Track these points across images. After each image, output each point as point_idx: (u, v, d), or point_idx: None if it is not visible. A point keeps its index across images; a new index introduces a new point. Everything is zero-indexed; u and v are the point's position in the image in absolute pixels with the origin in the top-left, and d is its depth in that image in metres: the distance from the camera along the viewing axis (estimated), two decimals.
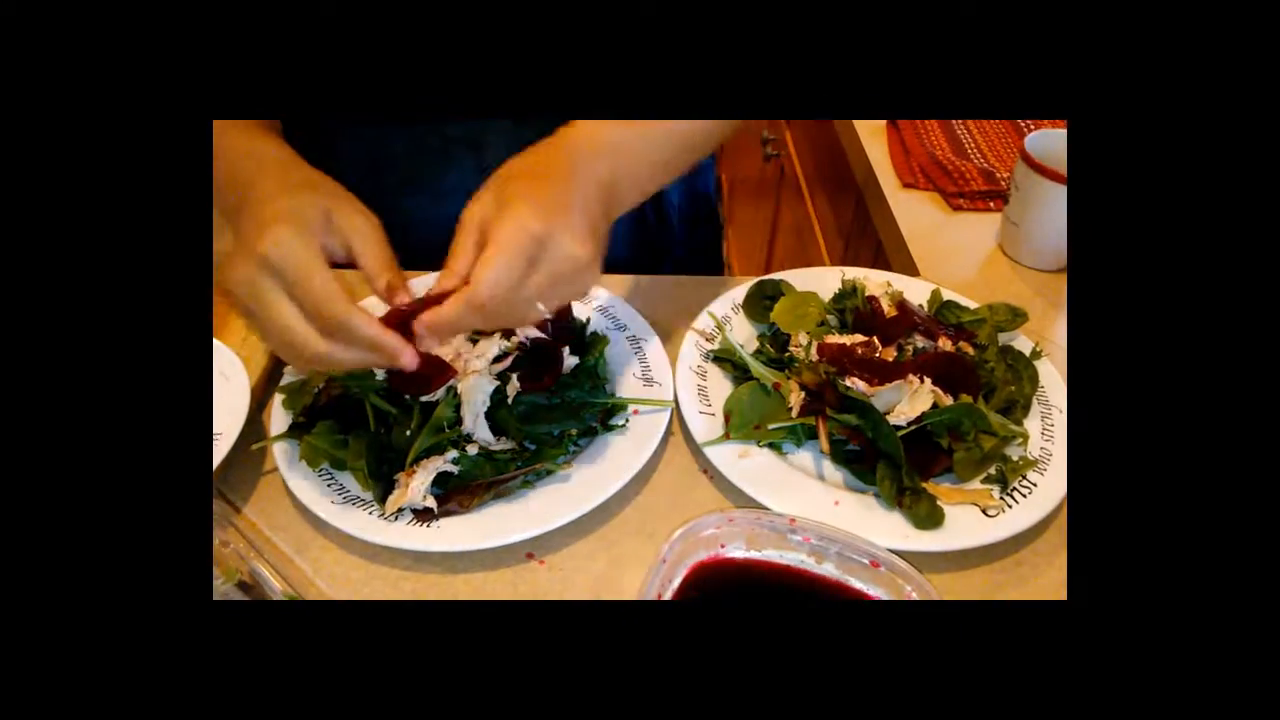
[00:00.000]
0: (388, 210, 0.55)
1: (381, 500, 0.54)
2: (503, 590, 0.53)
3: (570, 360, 0.61)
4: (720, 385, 0.64)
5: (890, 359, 0.61)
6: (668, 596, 0.48)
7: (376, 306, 0.52)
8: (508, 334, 0.60)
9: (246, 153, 0.54)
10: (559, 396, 0.59)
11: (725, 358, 0.65)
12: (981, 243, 0.84)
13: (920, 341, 0.63)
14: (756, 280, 0.72)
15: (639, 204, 0.58)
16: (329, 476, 0.56)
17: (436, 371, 0.57)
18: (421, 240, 0.76)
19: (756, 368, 0.62)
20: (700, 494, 0.59)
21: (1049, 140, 0.78)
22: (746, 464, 0.58)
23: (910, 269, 0.81)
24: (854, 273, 0.72)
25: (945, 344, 0.63)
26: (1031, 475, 0.58)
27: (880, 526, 0.54)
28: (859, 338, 0.63)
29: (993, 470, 0.58)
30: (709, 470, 0.60)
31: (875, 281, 0.70)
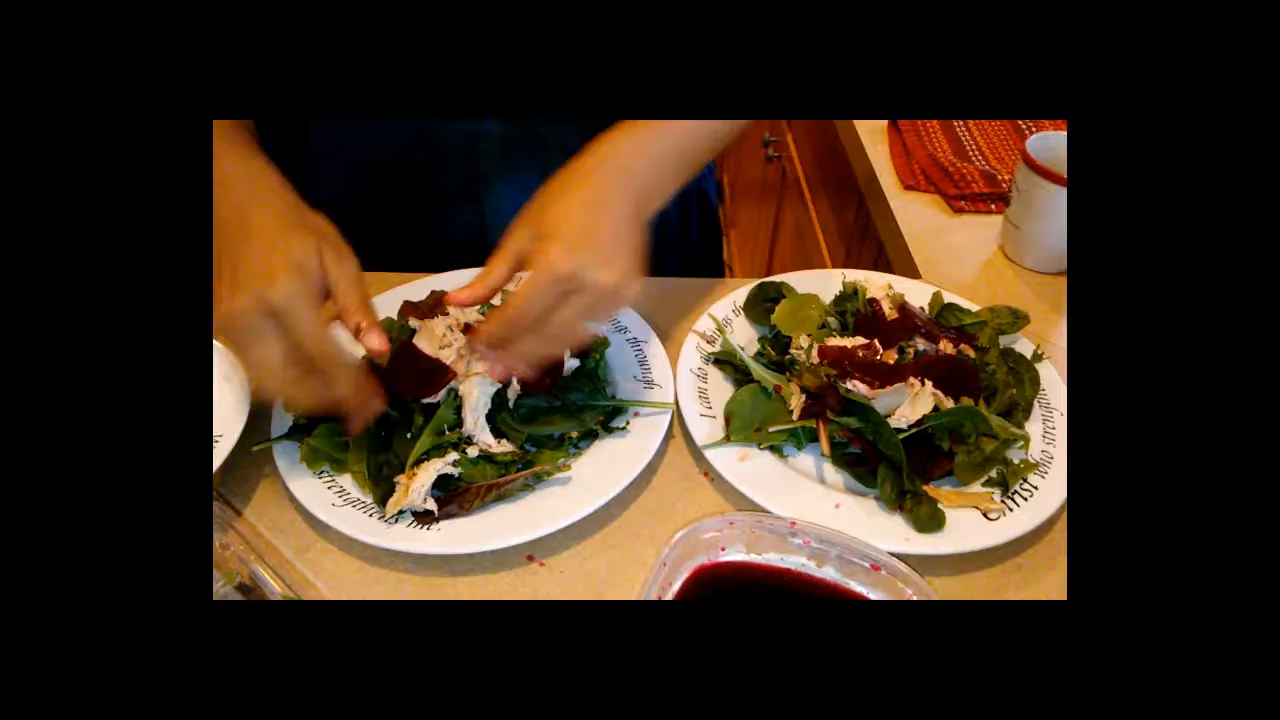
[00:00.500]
0: (388, 217, 0.55)
1: (381, 503, 0.54)
2: (503, 592, 0.53)
3: (571, 363, 0.61)
4: (721, 388, 0.64)
5: (891, 362, 0.61)
6: (668, 599, 0.48)
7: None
8: None
9: (242, 177, 0.55)
10: (560, 399, 0.59)
11: (726, 360, 0.65)
12: (983, 245, 0.84)
13: (921, 344, 0.63)
14: (757, 282, 0.72)
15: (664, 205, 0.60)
16: (329, 479, 0.56)
17: (438, 374, 0.57)
18: (416, 246, 0.76)
19: (757, 370, 0.62)
20: (701, 497, 0.59)
21: (1051, 142, 0.78)
22: (747, 467, 0.58)
23: (911, 271, 0.81)
24: (855, 275, 0.72)
25: (946, 347, 0.63)
26: (1033, 478, 0.57)
27: (881, 529, 0.54)
28: (860, 340, 0.63)
29: (994, 473, 0.58)
30: (709, 473, 0.60)
31: (876, 284, 0.69)
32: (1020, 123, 1.02)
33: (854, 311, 0.67)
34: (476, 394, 0.57)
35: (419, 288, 0.70)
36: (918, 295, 0.71)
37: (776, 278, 0.72)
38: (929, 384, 0.58)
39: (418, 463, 0.55)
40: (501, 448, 0.57)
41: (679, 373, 0.64)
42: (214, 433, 0.56)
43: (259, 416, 0.61)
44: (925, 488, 0.56)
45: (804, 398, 0.59)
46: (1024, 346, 0.67)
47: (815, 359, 0.62)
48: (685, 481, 0.60)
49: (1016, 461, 0.58)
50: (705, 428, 0.60)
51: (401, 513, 0.54)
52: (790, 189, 1.56)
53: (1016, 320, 0.68)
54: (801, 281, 0.72)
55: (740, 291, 0.71)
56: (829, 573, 0.50)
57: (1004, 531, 0.54)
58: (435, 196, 0.78)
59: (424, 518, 0.54)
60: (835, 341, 0.63)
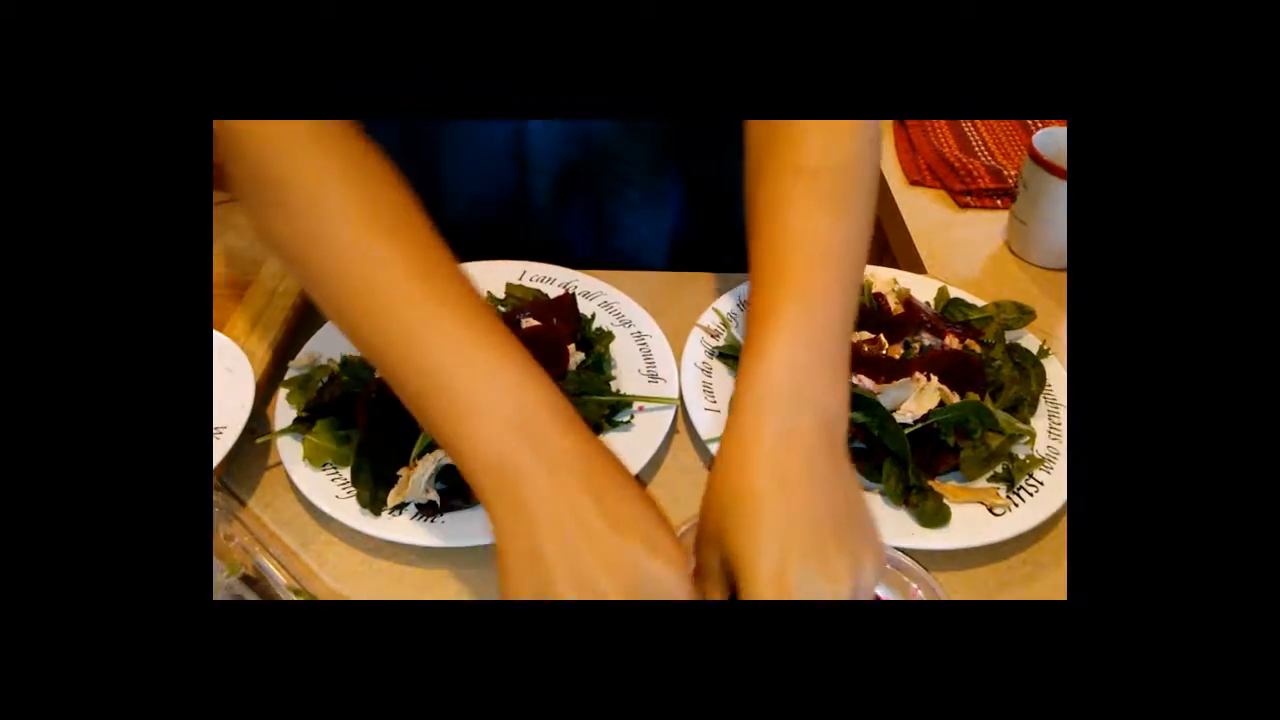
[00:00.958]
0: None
1: (368, 504, 0.53)
2: None
3: (575, 356, 0.61)
4: (726, 382, 0.64)
5: (897, 356, 0.61)
6: None
7: None
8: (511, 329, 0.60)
9: (507, 397, 0.41)
10: (564, 393, 0.59)
11: (731, 354, 0.65)
12: (989, 241, 0.84)
13: (927, 339, 0.63)
14: None
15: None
16: (333, 471, 0.56)
17: None
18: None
19: None
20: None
21: (1057, 138, 0.77)
22: None
23: (917, 267, 0.81)
24: None
25: (952, 342, 0.63)
26: (1038, 474, 0.57)
27: (886, 524, 0.54)
28: (865, 335, 0.63)
29: (999, 469, 0.58)
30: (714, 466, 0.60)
31: (882, 279, 0.69)
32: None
33: (859, 306, 0.67)
34: None
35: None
36: (923, 290, 0.71)
37: None
38: (934, 379, 0.57)
39: (420, 455, 0.55)
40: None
41: (684, 367, 0.64)
42: (218, 425, 0.56)
43: (262, 408, 0.61)
44: (930, 483, 0.56)
45: None
46: (1030, 342, 0.67)
47: None
48: (690, 476, 0.60)
49: (1022, 457, 0.58)
50: (710, 422, 0.60)
51: (405, 505, 0.54)
52: None
53: (1022, 315, 0.67)
54: None
55: (745, 286, 0.71)
56: None
57: (1009, 527, 0.54)
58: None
59: (428, 510, 0.54)
60: None
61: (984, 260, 0.82)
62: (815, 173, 0.50)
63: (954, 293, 0.71)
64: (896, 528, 0.54)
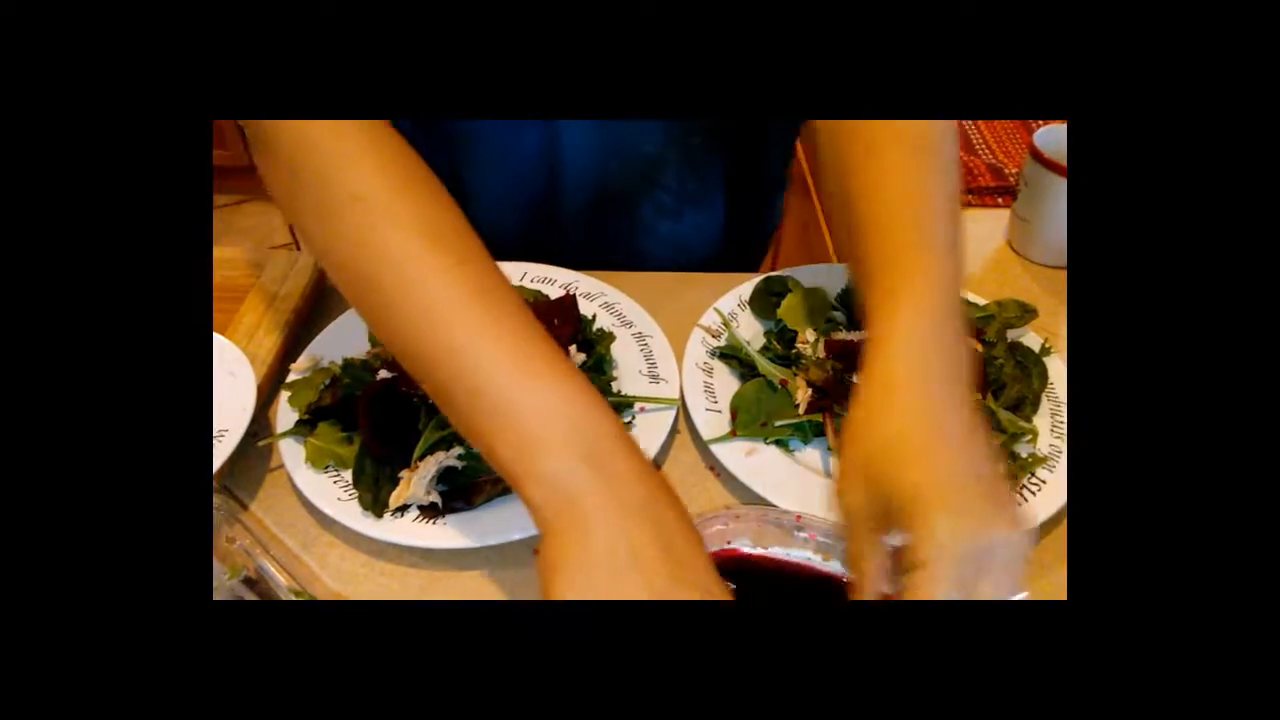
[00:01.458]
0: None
1: (370, 506, 0.54)
2: (509, 586, 0.53)
3: (576, 357, 0.61)
4: (727, 382, 0.64)
5: None
6: None
7: None
8: None
9: (573, 449, 0.40)
10: None
11: (732, 354, 0.65)
12: (990, 239, 0.84)
13: None
14: (763, 277, 0.71)
15: None
16: (334, 473, 0.56)
17: None
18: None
19: (763, 364, 0.62)
20: (707, 491, 0.59)
21: (1058, 136, 0.77)
22: (753, 461, 0.58)
23: None
24: None
25: None
26: (1040, 472, 0.57)
27: None
28: (866, 334, 0.62)
29: (1001, 467, 0.57)
30: (715, 467, 0.60)
31: None
32: None
33: (860, 305, 0.66)
34: None
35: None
36: None
37: (782, 272, 0.72)
38: None
39: (422, 456, 0.55)
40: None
41: (685, 367, 0.64)
42: (220, 428, 0.56)
43: (264, 411, 0.61)
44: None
45: (810, 392, 0.59)
46: (1032, 340, 0.67)
47: (821, 353, 0.62)
48: (691, 476, 0.60)
49: (1024, 455, 0.58)
50: (711, 422, 0.60)
51: (407, 507, 0.54)
52: (795, 183, 1.55)
53: (1024, 314, 0.67)
54: (807, 275, 0.72)
55: (746, 286, 0.71)
56: (835, 566, 0.50)
57: None
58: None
59: (430, 512, 0.54)
60: (841, 335, 0.62)
61: (985, 258, 0.81)
62: (913, 135, 0.49)
63: None
64: None
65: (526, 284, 0.71)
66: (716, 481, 0.60)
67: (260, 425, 0.60)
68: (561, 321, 0.62)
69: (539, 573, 0.40)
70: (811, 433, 0.59)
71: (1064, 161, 0.74)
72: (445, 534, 0.53)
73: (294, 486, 0.56)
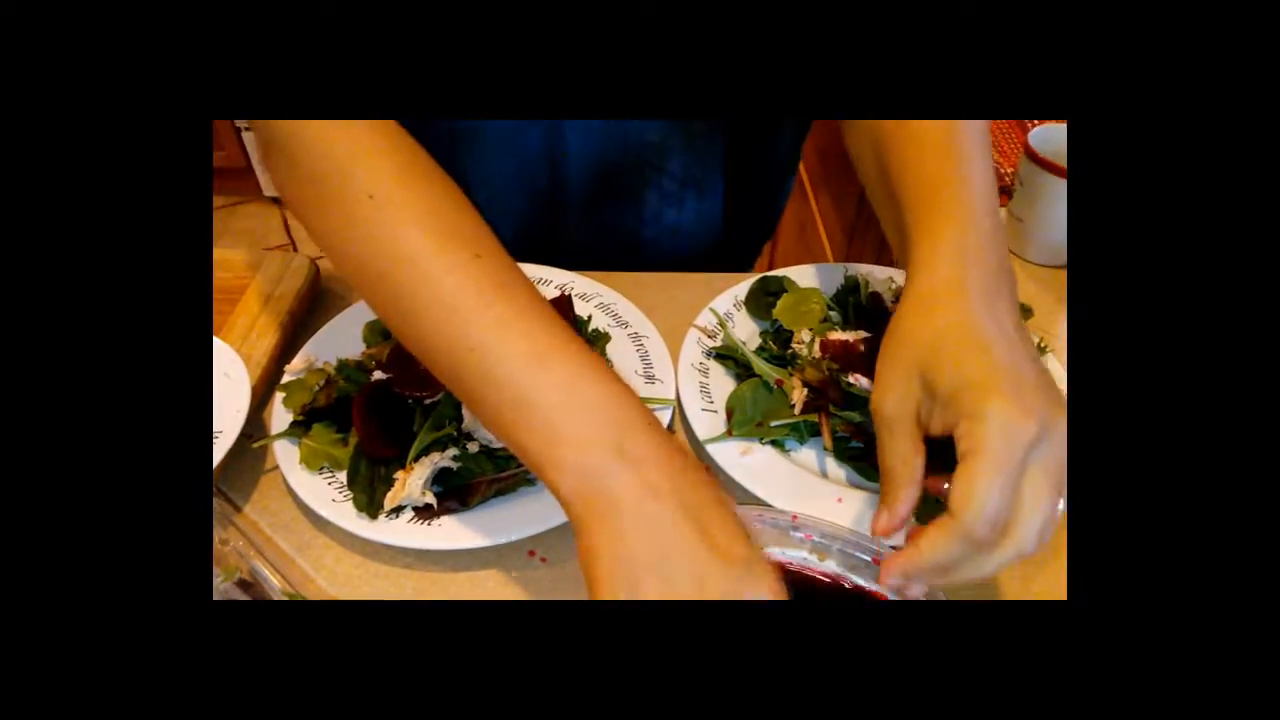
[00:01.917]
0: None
1: (364, 507, 0.53)
2: (504, 588, 0.53)
3: None
4: (722, 382, 0.64)
5: None
6: None
7: None
8: None
9: (603, 430, 0.40)
10: None
11: (727, 355, 0.65)
12: None
13: None
14: (759, 276, 0.71)
15: None
16: (329, 474, 0.56)
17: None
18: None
19: (759, 364, 0.62)
20: None
21: (1053, 136, 0.77)
22: (749, 461, 0.58)
23: None
24: (857, 268, 0.72)
25: None
26: None
27: None
28: (862, 334, 0.62)
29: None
30: (711, 467, 0.60)
31: (879, 278, 0.69)
32: None
33: (856, 305, 0.66)
34: None
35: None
36: None
37: (778, 271, 0.72)
38: None
39: (417, 458, 0.55)
40: (502, 443, 0.57)
41: (680, 367, 0.64)
42: (214, 429, 0.56)
43: (259, 412, 0.61)
44: (928, 481, 0.55)
45: (806, 392, 0.59)
46: None
47: (817, 353, 0.61)
48: None
49: None
50: (707, 422, 0.60)
51: (402, 508, 0.54)
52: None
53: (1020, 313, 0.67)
54: (803, 275, 0.72)
55: (741, 286, 0.71)
56: (831, 567, 0.50)
57: None
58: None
59: (425, 513, 0.54)
60: (837, 335, 0.62)
61: None
62: None
63: None
64: None
65: None
66: None
67: (255, 426, 0.60)
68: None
69: (581, 565, 0.40)
70: (807, 433, 0.59)
71: (1059, 161, 0.74)
72: (440, 535, 0.53)
73: (288, 488, 0.56)
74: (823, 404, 0.58)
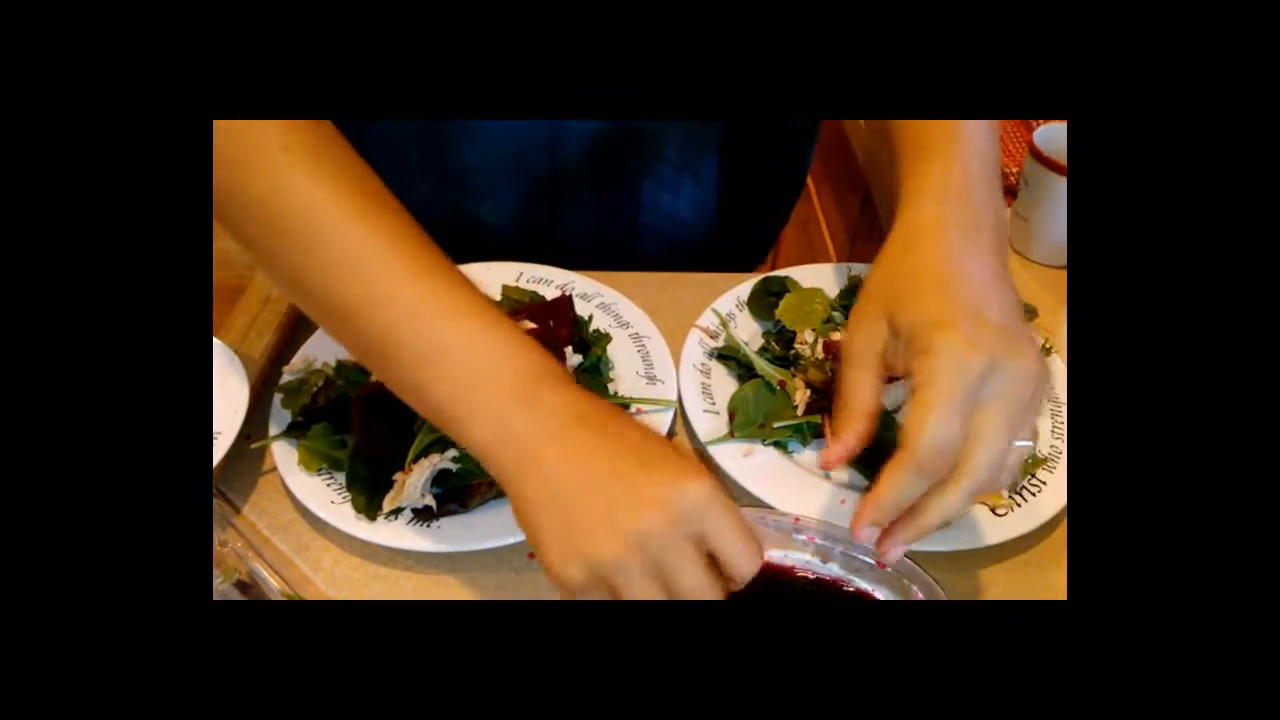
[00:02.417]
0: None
1: (364, 509, 0.53)
2: (504, 590, 0.53)
3: (573, 359, 0.60)
4: (724, 383, 0.63)
5: None
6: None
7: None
8: None
9: (516, 361, 0.41)
10: None
11: (729, 355, 0.64)
12: None
13: None
14: (761, 277, 0.71)
15: None
16: (328, 476, 0.56)
17: None
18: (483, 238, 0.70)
19: (761, 365, 0.61)
20: None
21: (1057, 135, 0.77)
22: (751, 462, 0.57)
23: None
24: (860, 269, 0.71)
25: None
26: (1041, 473, 0.57)
27: None
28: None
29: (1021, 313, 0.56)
30: (713, 469, 0.59)
31: None
32: None
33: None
34: None
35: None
36: None
37: (781, 272, 0.72)
38: None
39: (416, 459, 0.54)
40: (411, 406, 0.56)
41: (682, 368, 0.63)
42: (213, 429, 0.55)
43: (258, 413, 0.61)
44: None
45: (809, 393, 0.59)
46: None
47: (820, 354, 0.61)
48: None
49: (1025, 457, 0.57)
50: (709, 424, 0.60)
51: (401, 510, 0.53)
52: None
53: (1024, 314, 0.67)
54: (806, 275, 0.71)
55: (744, 286, 0.71)
56: (833, 569, 0.50)
57: (1011, 527, 0.53)
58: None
59: (424, 515, 0.53)
60: (840, 336, 0.62)
61: None
62: None
63: None
64: None
65: (522, 284, 0.71)
66: None
67: (253, 427, 0.60)
68: (557, 323, 0.61)
69: (516, 516, 0.40)
70: (810, 434, 0.59)
71: (1064, 161, 0.74)
72: (439, 537, 0.52)
73: (287, 489, 0.56)
74: (826, 405, 0.58)
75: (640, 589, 0.37)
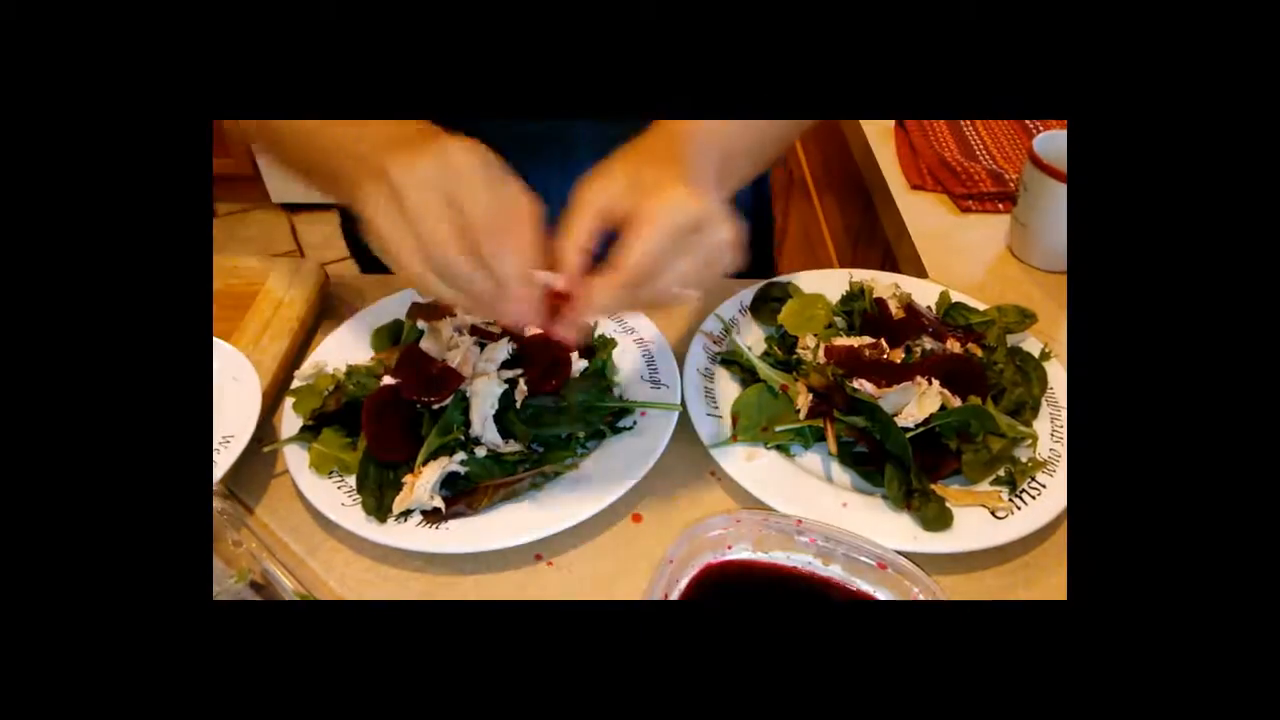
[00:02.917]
0: None
1: (374, 511, 0.54)
2: (511, 591, 0.53)
3: (578, 364, 0.61)
4: (728, 387, 0.64)
5: (898, 361, 0.61)
6: (674, 597, 0.49)
7: None
8: (515, 337, 0.61)
9: (361, 133, 0.50)
10: (566, 400, 0.60)
11: (733, 360, 0.65)
12: (990, 244, 0.84)
13: (928, 343, 0.63)
14: (764, 282, 0.72)
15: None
16: (339, 479, 0.57)
17: (446, 378, 0.58)
18: None
19: (764, 370, 0.62)
20: (708, 496, 0.59)
21: (1057, 141, 0.78)
22: (754, 466, 0.58)
23: (919, 271, 0.81)
24: (862, 275, 0.72)
25: (953, 346, 0.63)
26: (1040, 476, 0.57)
27: (888, 528, 0.54)
28: (867, 340, 0.63)
29: (1001, 472, 0.58)
30: (716, 472, 0.60)
31: (883, 283, 0.69)
32: (1027, 122, 1.01)
33: (861, 311, 0.67)
34: (484, 394, 0.57)
35: None
36: (925, 294, 0.71)
37: (783, 278, 0.72)
38: (936, 383, 0.58)
39: (425, 462, 0.55)
40: (509, 448, 0.57)
41: (686, 373, 0.64)
42: (226, 434, 0.56)
43: (269, 417, 0.62)
44: (933, 486, 0.56)
45: (811, 397, 0.59)
46: (1032, 345, 0.67)
47: (822, 358, 0.62)
48: (692, 481, 0.60)
49: (1024, 460, 0.58)
50: (712, 427, 0.60)
51: (410, 512, 0.54)
52: (797, 189, 1.56)
53: (1024, 319, 0.68)
54: (808, 281, 0.72)
55: (747, 291, 0.71)
56: (835, 571, 0.50)
57: (1012, 530, 0.54)
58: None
59: (432, 516, 0.54)
60: (842, 341, 0.63)
61: (986, 264, 0.82)
62: None
63: (955, 296, 0.71)
64: (898, 532, 0.54)
65: None
66: (718, 486, 0.60)
67: (265, 431, 0.61)
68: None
69: (366, 237, 0.46)
70: (812, 438, 0.60)
71: (1063, 167, 0.75)
72: (448, 539, 0.53)
73: (298, 492, 0.57)
74: (827, 409, 0.58)
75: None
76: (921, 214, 0.88)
